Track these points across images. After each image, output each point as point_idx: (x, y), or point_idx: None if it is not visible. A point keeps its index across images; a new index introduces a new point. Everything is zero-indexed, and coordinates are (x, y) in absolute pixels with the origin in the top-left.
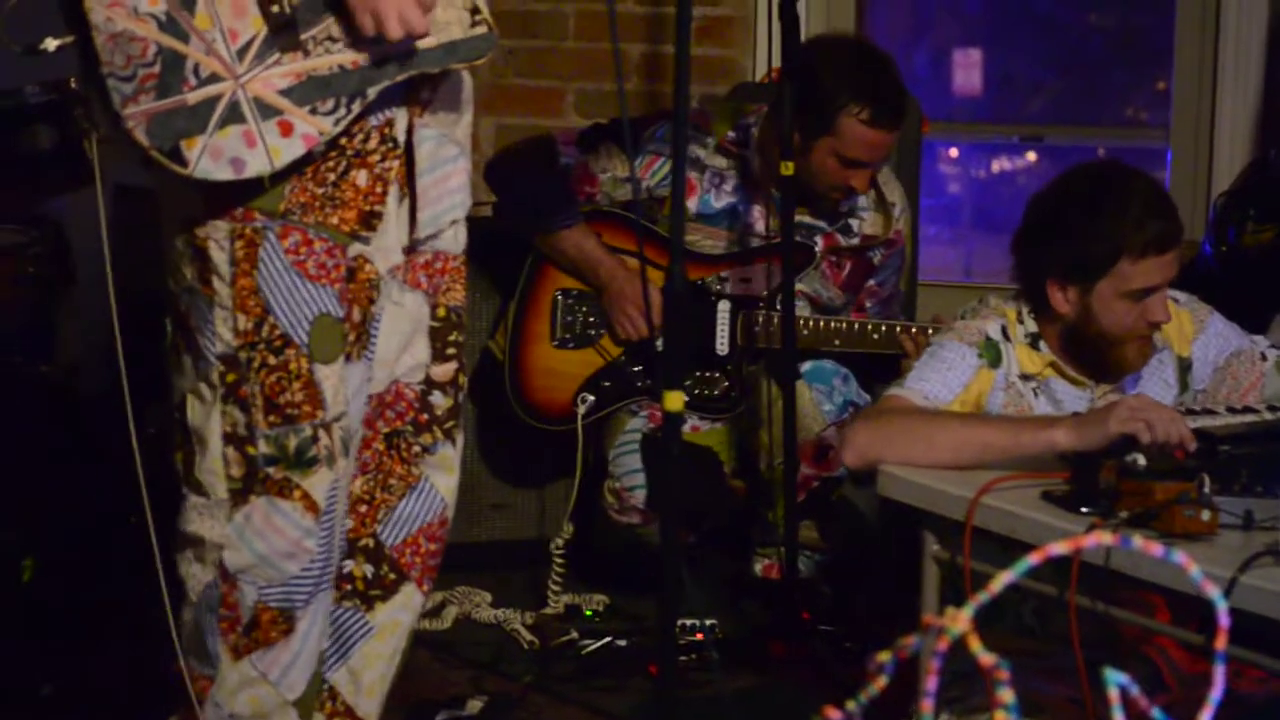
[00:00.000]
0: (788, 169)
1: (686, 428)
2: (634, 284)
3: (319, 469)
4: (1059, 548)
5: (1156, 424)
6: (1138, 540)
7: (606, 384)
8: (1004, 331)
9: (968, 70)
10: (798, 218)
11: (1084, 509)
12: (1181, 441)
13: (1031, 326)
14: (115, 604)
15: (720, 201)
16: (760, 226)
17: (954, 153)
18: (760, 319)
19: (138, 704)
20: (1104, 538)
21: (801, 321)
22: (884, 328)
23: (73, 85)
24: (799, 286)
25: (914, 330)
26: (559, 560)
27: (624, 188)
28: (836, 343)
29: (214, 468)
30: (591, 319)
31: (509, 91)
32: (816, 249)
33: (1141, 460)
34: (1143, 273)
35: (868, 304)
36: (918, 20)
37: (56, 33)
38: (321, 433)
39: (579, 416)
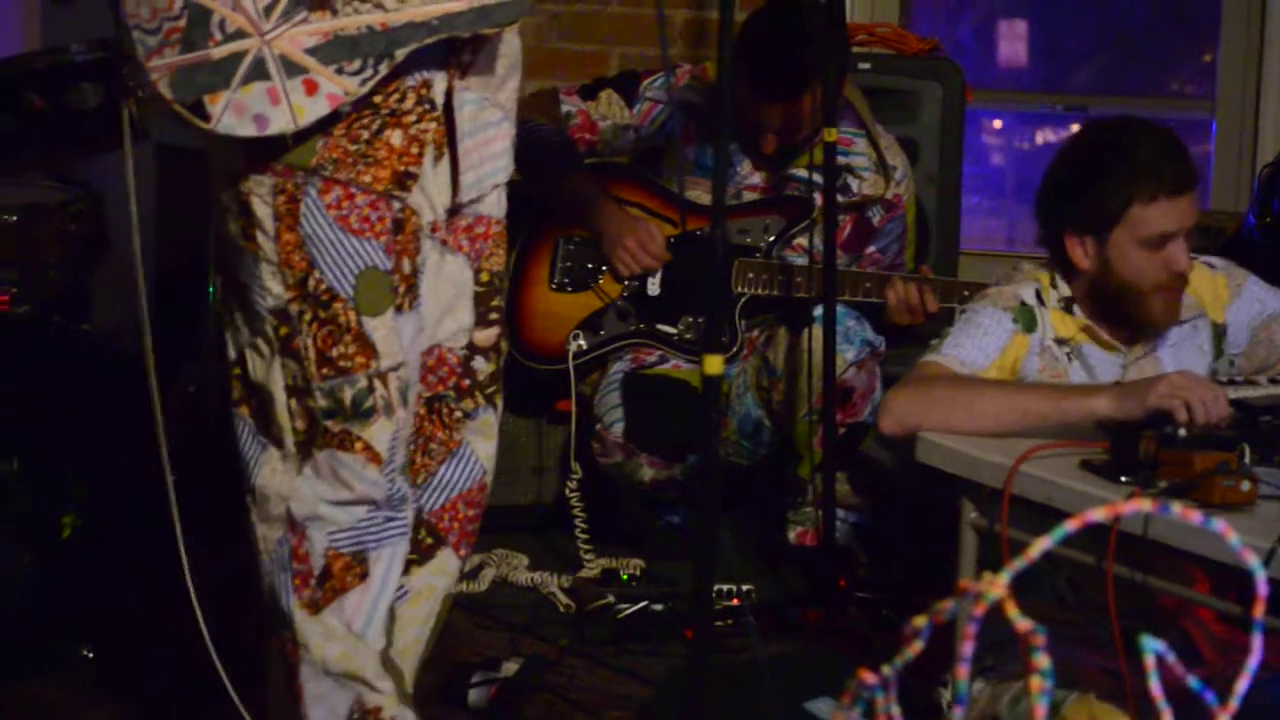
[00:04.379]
0: (831, 135)
1: (669, 366)
2: (633, 224)
3: (377, 419)
4: (1097, 514)
5: (1195, 404)
6: (1176, 508)
7: (601, 326)
8: (1038, 296)
9: (1012, 41)
10: (795, 171)
11: (1123, 478)
12: (1220, 423)
13: (1065, 291)
14: (154, 563)
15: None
16: (756, 178)
17: (998, 123)
18: (755, 268)
19: (177, 663)
20: (1143, 505)
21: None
22: (877, 277)
23: (119, 44)
24: (796, 241)
25: (902, 280)
26: (577, 505)
27: (624, 135)
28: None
29: (281, 420)
30: (589, 265)
31: (552, 55)
32: (814, 203)
33: (1181, 430)
34: (1156, 217)
35: (868, 270)
36: None
37: None
38: (377, 382)
39: (569, 355)
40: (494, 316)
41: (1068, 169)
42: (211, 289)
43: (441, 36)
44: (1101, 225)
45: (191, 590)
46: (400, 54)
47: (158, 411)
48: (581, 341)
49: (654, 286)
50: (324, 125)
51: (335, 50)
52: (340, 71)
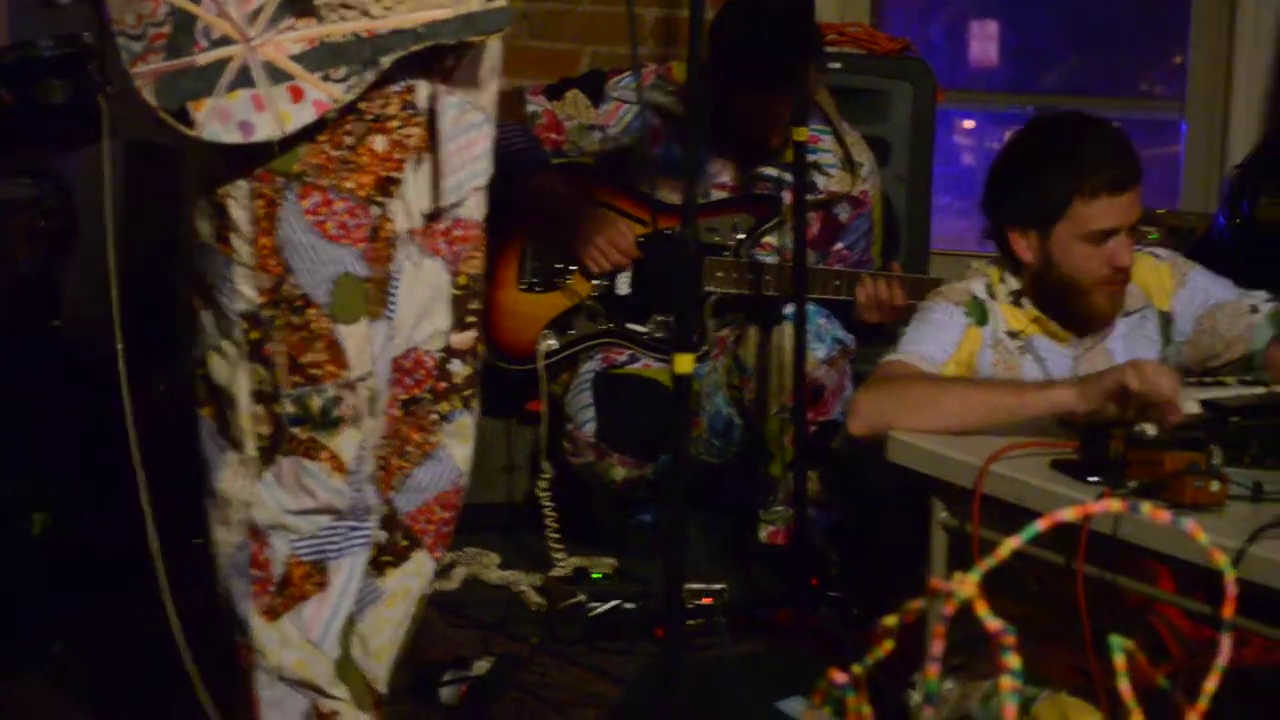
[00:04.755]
0: (801, 134)
1: (639, 365)
2: (603, 221)
3: (344, 429)
4: (1067, 514)
5: (1151, 377)
6: (1146, 508)
7: (570, 325)
8: (988, 290)
9: (983, 41)
10: (763, 170)
11: (1093, 478)
12: (1169, 396)
13: (1013, 284)
14: (125, 560)
15: (682, 150)
16: (724, 177)
17: (969, 123)
18: (724, 266)
19: (148, 660)
20: (1112, 505)
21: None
22: (846, 275)
23: (87, 39)
24: (765, 239)
25: (871, 278)
26: (548, 504)
27: (590, 135)
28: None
29: (244, 424)
30: (558, 264)
31: (523, 54)
32: (782, 202)
33: (1151, 430)
34: (1098, 213)
35: (836, 268)
36: None
37: None
38: (346, 392)
39: (539, 355)
40: (471, 320)
41: (1012, 162)
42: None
43: (428, 44)
44: (1044, 220)
45: (165, 590)
46: (386, 61)
47: (129, 413)
48: (551, 341)
49: (623, 286)
50: (308, 131)
51: (321, 57)
52: (326, 79)
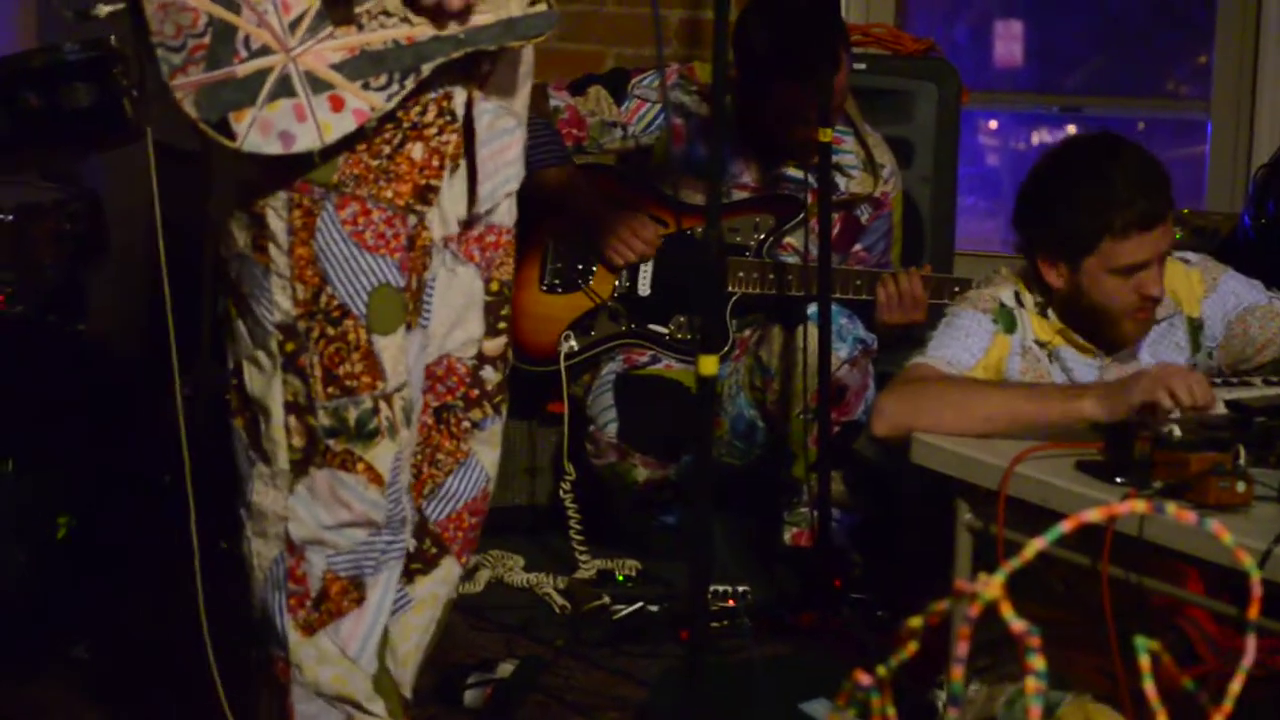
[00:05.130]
0: (826, 135)
1: (660, 366)
2: (624, 214)
3: (381, 440)
4: (1092, 515)
5: (1179, 390)
6: (1171, 509)
7: (592, 327)
8: (1017, 298)
9: (1008, 41)
10: (785, 170)
11: (1118, 479)
12: (1205, 404)
13: (1040, 295)
14: (149, 565)
15: (707, 149)
16: (745, 177)
17: (993, 124)
18: (746, 267)
19: (170, 663)
20: (1138, 506)
21: (793, 269)
22: (868, 275)
23: (112, 43)
24: (787, 239)
25: (893, 276)
26: (571, 506)
27: (611, 132)
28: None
29: (276, 437)
30: (579, 265)
31: (548, 55)
32: (805, 202)
33: (1177, 431)
34: (1128, 250)
35: (857, 268)
36: None
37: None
38: (382, 404)
39: (560, 356)
40: (502, 326)
41: (1042, 191)
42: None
43: (468, 50)
44: (1073, 253)
45: (200, 594)
46: (426, 69)
47: (180, 410)
48: (573, 343)
49: (644, 286)
50: (348, 141)
51: (361, 66)
52: (366, 87)
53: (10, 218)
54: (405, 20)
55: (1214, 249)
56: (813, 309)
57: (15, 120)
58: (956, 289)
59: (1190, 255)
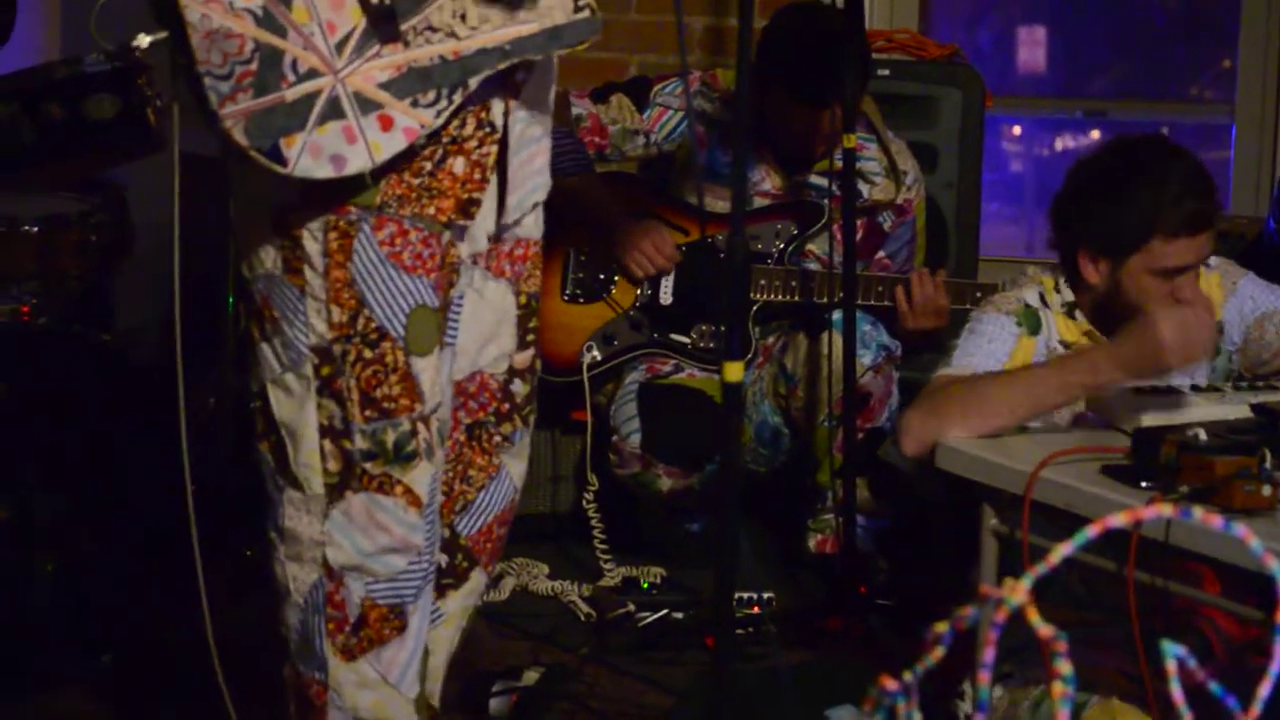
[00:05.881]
0: (849, 142)
1: (684, 375)
2: (646, 226)
3: (419, 463)
4: (1118, 520)
5: (1193, 329)
6: (1197, 513)
7: (614, 336)
8: (1042, 298)
9: (1031, 46)
10: (807, 177)
11: (1144, 483)
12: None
13: (1068, 295)
14: (174, 572)
15: (729, 156)
16: (767, 184)
17: (1017, 129)
18: (768, 274)
19: (194, 673)
20: (1164, 510)
21: (816, 275)
22: (890, 280)
23: (136, 53)
24: (809, 247)
25: (913, 281)
26: (595, 515)
27: (633, 140)
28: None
29: (309, 461)
30: (601, 275)
31: (571, 62)
32: (826, 208)
33: (1202, 434)
34: (1175, 252)
35: (879, 275)
36: None
37: (148, 29)
38: (420, 426)
39: (583, 366)
40: (530, 338)
41: (1090, 186)
42: (231, 303)
43: (514, 61)
44: (1119, 250)
45: (204, 597)
46: (474, 82)
47: (183, 431)
48: (595, 353)
49: (666, 295)
50: (394, 160)
51: (409, 83)
52: (415, 104)
53: (35, 229)
54: (451, 35)
55: (1238, 253)
56: (836, 316)
57: (40, 132)
58: (979, 294)
59: (1211, 259)
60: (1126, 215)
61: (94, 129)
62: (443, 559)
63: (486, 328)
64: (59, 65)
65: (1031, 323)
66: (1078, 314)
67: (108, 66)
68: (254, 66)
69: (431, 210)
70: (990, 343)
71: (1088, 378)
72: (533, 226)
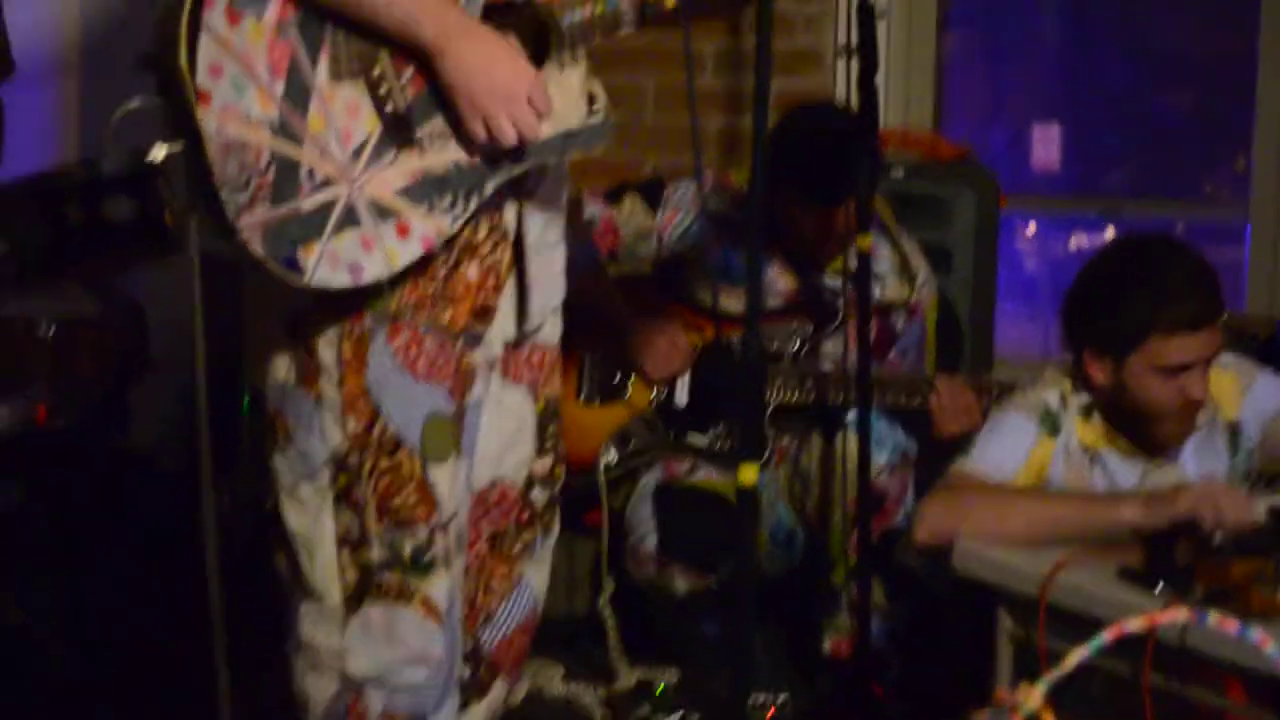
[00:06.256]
0: (864, 243)
1: (700, 476)
2: (660, 327)
3: (437, 571)
4: (1134, 624)
5: (1226, 509)
6: (1213, 617)
7: (630, 438)
8: (1062, 400)
9: (1046, 144)
10: (821, 277)
11: (1159, 586)
12: (1246, 525)
13: (1085, 397)
14: (194, 679)
15: (742, 257)
16: (781, 285)
17: (1031, 229)
18: (783, 374)
19: None
20: (1180, 614)
21: (831, 376)
22: (906, 381)
23: (154, 157)
24: (825, 347)
25: (941, 386)
26: (610, 618)
27: (647, 242)
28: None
29: (327, 572)
30: (617, 376)
31: (587, 163)
32: (840, 308)
33: (1218, 537)
34: (1175, 349)
35: (895, 374)
36: (996, 95)
37: (165, 136)
38: (438, 534)
39: (600, 468)
40: (549, 444)
41: (1093, 286)
42: (246, 403)
43: (529, 165)
44: (1119, 349)
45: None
46: (490, 187)
47: (211, 537)
48: (612, 455)
49: (682, 396)
50: (407, 270)
51: (425, 190)
52: (431, 210)
53: (52, 331)
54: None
55: (1254, 353)
56: (851, 416)
57: (58, 233)
58: (998, 392)
59: (1225, 357)
60: (1125, 313)
61: (111, 231)
62: (465, 671)
63: (507, 435)
64: (77, 167)
65: (1050, 424)
66: (1095, 416)
67: (125, 169)
68: (270, 176)
69: (446, 317)
70: (1011, 441)
71: (1110, 523)
72: (551, 331)
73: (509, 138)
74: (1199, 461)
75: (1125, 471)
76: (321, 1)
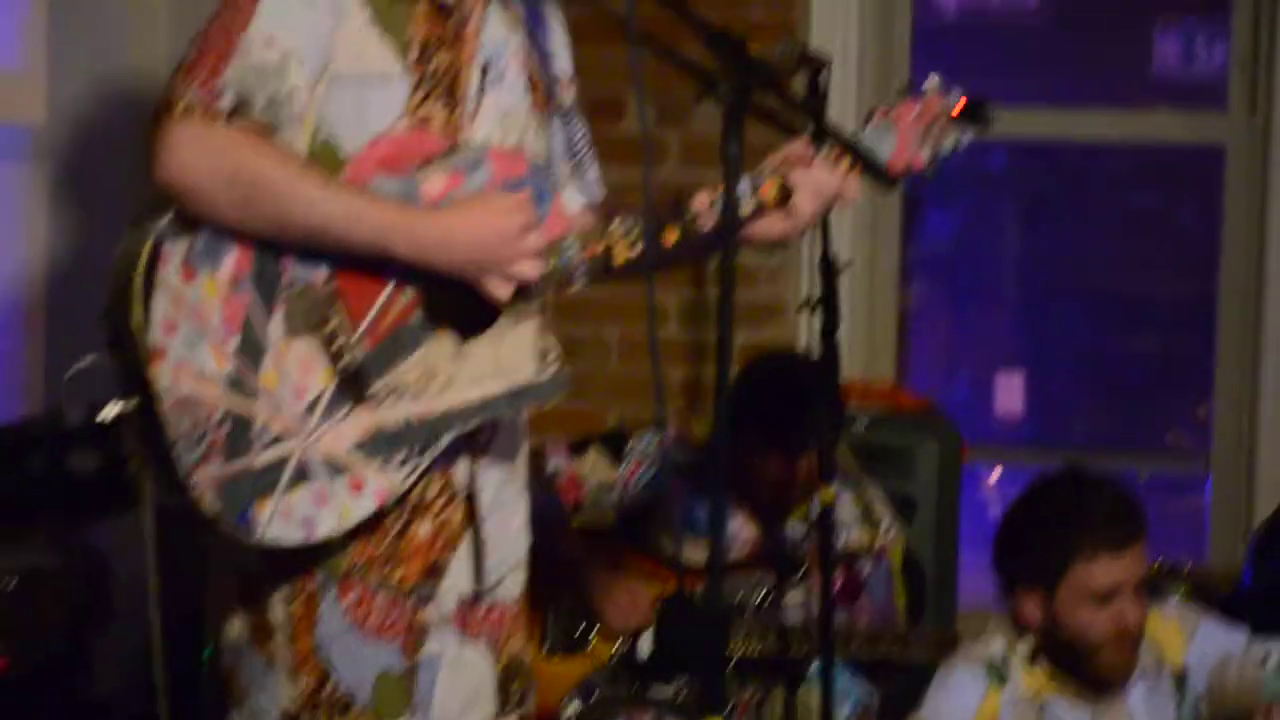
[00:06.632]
0: (828, 495)
1: None
2: (621, 581)
3: None
4: None
5: None
6: None
7: (593, 690)
8: (1006, 649)
9: (1009, 392)
10: (784, 528)
11: None
12: None
13: (1029, 644)
14: None
15: (703, 509)
16: (745, 535)
17: (996, 473)
18: (747, 626)
19: None
20: None
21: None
22: (869, 635)
23: (103, 423)
24: (789, 598)
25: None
26: None
27: (609, 493)
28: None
29: None
30: (580, 628)
31: (548, 414)
32: (804, 558)
33: None
34: (1101, 572)
35: (863, 621)
36: (959, 344)
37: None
38: None
39: None
40: (514, 702)
41: (1014, 523)
42: (206, 656)
43: (482, 420)
44: (1047, 581)
45: None
46: (443, 443)
47: None
48: (574, 707)
49: (645, 649)
50: (363, 524)
51: (379, 445)
52: (384, 466)
53: (13, 584)
54: (420, 395)
55: (1216, 606)
56: (814, 668)
57: (20, 485)
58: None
59: (1168, 606)
60: (1047, 543)
61: (75, 483)
62: None
63: (465, 694)
64: (39, 420)
65: (997, 675)
66: (1040, 660)
67: (88, 422)
68: (223, 432)
69: (397, 575)
70: (958, 695)
71: None
72: (512, 589)
73: (504, 295)
74: (1148, 709)
75: (1073, 717)
76: (285, 238)
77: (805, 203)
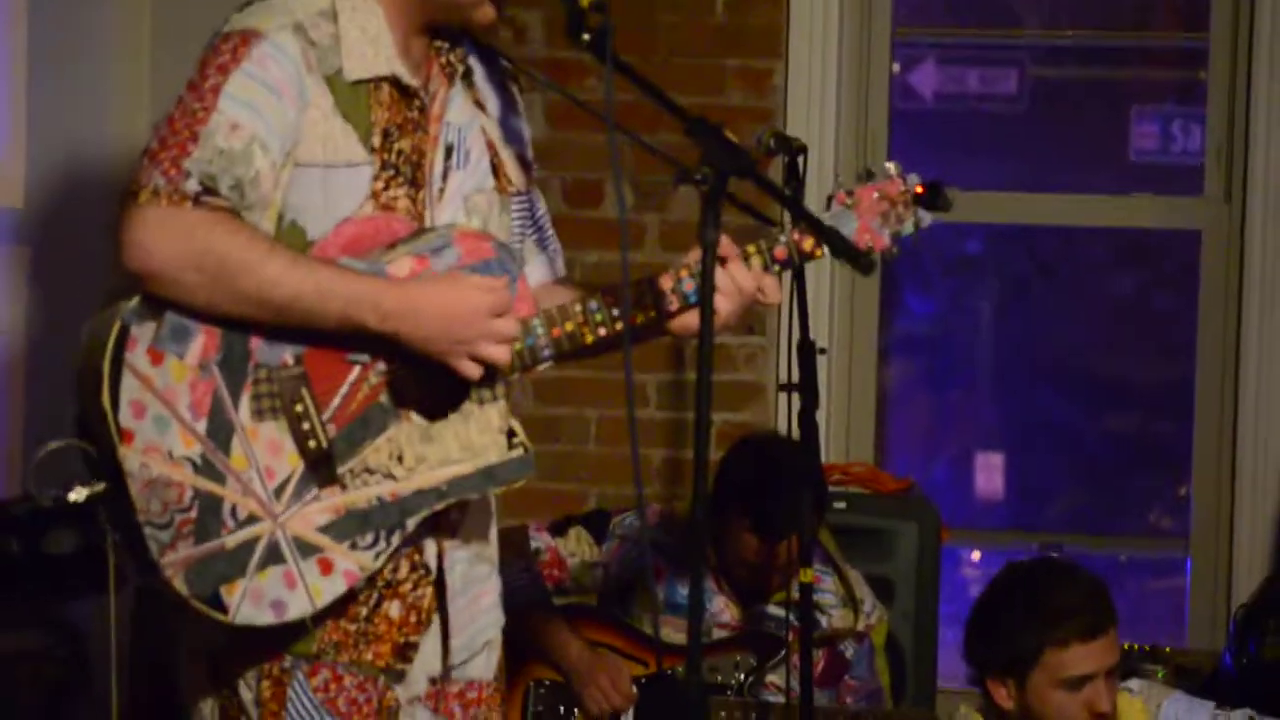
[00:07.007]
0: (807, 576)
1: None
2: (603, 662)
3: None
4: None
5: None
6: None
7: None
8: None
9: (989, 473)
10: (765, 608)
11: None
12: None
13: None
14: None
15: (685, 589)
16: (725, 616)
17: (976, 555)
18: (728, 706)
19: None
20: None
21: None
22: (852, 714)
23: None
24: (770, 679)
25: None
26: None
27: (592, 573)
28: None
29: None
30: (561, 709)
31: (529, 493)
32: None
33: None
34: (1071, 661)
35: (849, 700)
36: (938, 425)
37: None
38: None
39: None
40: None
41: (985, 613)
42: None
43: (451, 502)
44: (1019, 669)
45: None
46: (411, 523)
47: None
48: None
49: None
50: (333, 605)
51: (348, 526)
52: (354, 547)
53: None
54: (389, 476)
55: (1197, 688)
56: None
57: None
58: None
59: (1133, 683)
60: (1018, 632)
61: (53, 563)
62: None
63: None
64: (16, 501)
65: None
66: None
67: (65, 503)
68: (193, 514)
69: (369, 656)
70: None
71: None
72: (484, 667)
73: (500, 358)
74: None
75: None
76: (255, 316)
77: (721, 303)
